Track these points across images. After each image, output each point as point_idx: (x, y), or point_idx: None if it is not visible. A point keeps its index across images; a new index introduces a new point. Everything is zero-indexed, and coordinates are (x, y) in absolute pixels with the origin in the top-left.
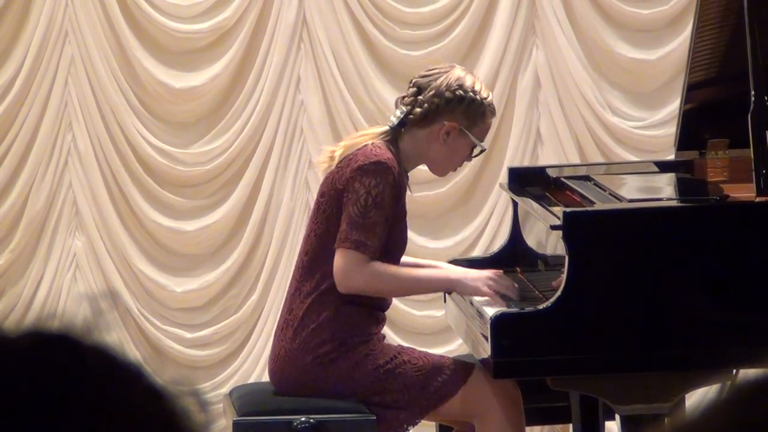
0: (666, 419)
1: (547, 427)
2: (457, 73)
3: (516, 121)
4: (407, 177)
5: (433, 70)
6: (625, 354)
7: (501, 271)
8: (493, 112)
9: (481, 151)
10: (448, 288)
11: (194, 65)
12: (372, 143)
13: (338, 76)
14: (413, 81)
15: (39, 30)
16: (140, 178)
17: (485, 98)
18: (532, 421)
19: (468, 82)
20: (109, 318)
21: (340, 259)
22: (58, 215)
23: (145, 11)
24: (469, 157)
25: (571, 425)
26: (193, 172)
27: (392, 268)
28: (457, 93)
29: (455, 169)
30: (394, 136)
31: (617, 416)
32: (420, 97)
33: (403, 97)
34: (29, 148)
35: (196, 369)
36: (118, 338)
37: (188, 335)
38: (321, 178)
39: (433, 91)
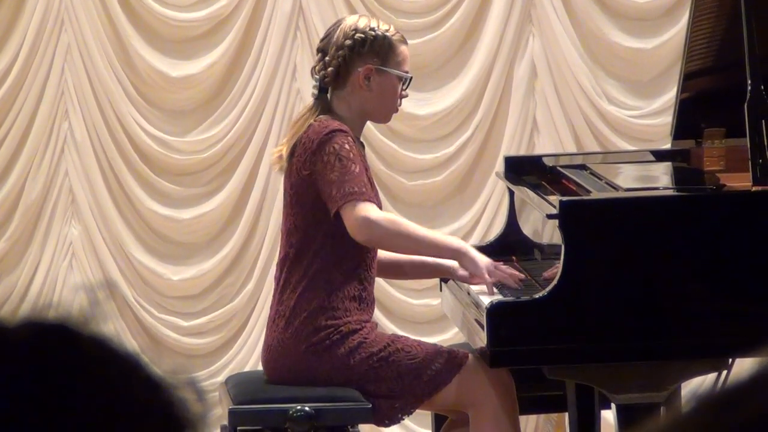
0: (662, 408)
1: (543, 416)
2: (349, 21)
3: (512, 110)
4: (363, 145)
5: (328, 30)
6: (621, 343)
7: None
8: (401, 41)
9: (410, 80)
10: (454, 255)
11: (191, 53)
12: (314, 120)
13: None
14: (316, 49)
15: (35, 18)
16: (136, 167)
17: (386, 30)
18: (528, 410)
19: (362, 23)
20: (105, 308)
21: (348, 215)
22: (54, 203)
23: None
24: (403, 92)
25: (566, 414)
26: (190, 160)
27: (406, 220)
28: (356, 37)
29: (396, 110)
30: (323, 107)
31: (613, 405)
32: (327, 59)
33: (314, 67)
34: (26, 137)
35: (192, 357)
36: (115, 328)
37: (184, 323)
38: (281, 176)
39: (335, 47)
